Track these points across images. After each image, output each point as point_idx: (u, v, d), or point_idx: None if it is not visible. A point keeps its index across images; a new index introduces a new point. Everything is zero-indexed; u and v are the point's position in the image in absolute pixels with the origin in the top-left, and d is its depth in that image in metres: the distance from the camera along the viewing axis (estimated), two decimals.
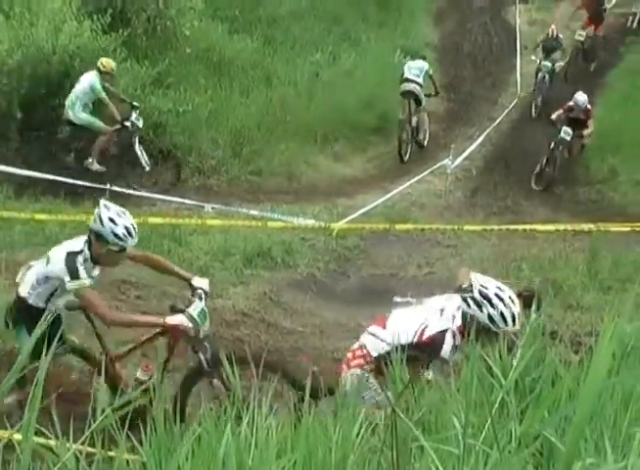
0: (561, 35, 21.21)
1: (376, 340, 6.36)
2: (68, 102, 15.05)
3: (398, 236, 14.83)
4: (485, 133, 19.38)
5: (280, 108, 18.59)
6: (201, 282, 7.72)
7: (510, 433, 3.07)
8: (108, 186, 14.83)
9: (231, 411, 3.34)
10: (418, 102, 18.91)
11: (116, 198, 14.68)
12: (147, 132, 16.26)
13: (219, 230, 13.80)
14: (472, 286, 6.10)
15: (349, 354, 6.53)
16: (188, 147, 16.73)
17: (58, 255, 6.98)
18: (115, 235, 6.93)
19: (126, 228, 6.96)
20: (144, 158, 15.83)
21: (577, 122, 17.28)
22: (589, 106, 17.46)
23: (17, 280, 7.27)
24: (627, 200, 17.06)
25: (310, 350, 10.65)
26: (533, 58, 21.17)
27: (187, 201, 15.04)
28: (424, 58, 19.39)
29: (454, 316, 6.21)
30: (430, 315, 6.25)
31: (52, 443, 3.06)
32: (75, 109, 15.06)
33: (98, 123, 15.38)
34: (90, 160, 15.53)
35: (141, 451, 3.44)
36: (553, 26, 21.34)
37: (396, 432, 2.58)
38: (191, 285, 7.70)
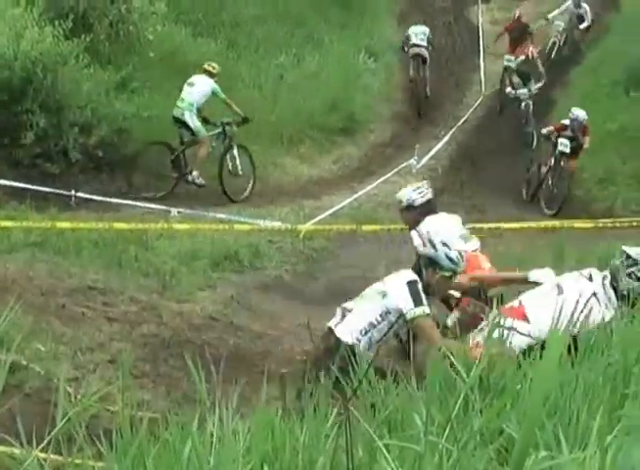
0: (537, 57, 20.62)
1: (518, 335, 5.84)
2: (183, 104, 15.80)
3: (365, 237, 14.86)
4: (451, 132, 19.49)
5: (245, 110, 18.54)
6: (542, 275, 7.01)
7: (479, 430, 3.09)
8: (73, 192, 14.76)
9: (196, 414, 3.34)
10: (424, 61, 21.42)
11: (82, 204, 14.68)
12: (111, 138, 16.18)
13: (186, 234, 13.78)
14: (630, 258, 6.26)
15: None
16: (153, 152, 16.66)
17: (396, 286, 6.43)
18: (450, 259, 6.46)
19: (459, 251, 6.52)
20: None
21: (572, 140, 16.75)
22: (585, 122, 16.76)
23: (331, 325, 6.72)
24: (591, 196, 17.21)
25: (280, 352, 10.65)
26: (508, 90, 20.15)
27: (153, 205, 14.98)
28: (424, 23, 22.12)
29: (609, 300, 6.20)
30: (581, 302, 5.66)
31: (16, 451, 3.04)
32: (193, 111, 15.79)
33: (204, 132, 15.97)
34: (195, 173, 16.07)
35: (106, 457, 3.43)
36: (532, 49, 20.67)
37: (351, 431, 2.59)
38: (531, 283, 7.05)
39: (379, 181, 16.86)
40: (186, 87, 16.04)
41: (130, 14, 17.86)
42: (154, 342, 10.46)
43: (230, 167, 16.26)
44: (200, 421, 3.36)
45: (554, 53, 22.77)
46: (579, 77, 21.68)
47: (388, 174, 17.14)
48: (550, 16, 23.26)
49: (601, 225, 14.74)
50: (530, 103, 19.73)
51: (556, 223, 14.54)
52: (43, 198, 14.39)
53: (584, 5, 22.79)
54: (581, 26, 22.77)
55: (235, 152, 16.23)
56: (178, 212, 14.76)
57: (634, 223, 14.62)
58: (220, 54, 20.08)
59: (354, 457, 2.72)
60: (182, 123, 15.96)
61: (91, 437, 3.32)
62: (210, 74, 16.14)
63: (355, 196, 16.23)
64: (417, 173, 17.49)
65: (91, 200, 14.72)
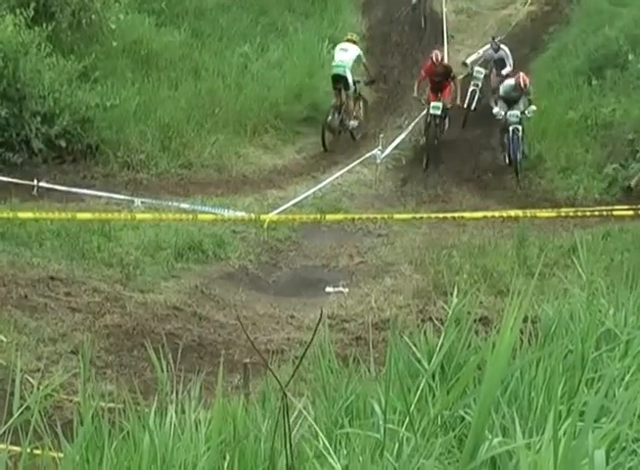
0: (529, 86, 18.18)
1: None
2: (344, 64, 19.01)
3: (329, 226, 14.88)
4: (414, 122, 19.49)
5: (209, 100, 18.51)
6: None
7: (435, 417, 3.10)
8: (35, 182, 14.66)
9: (155, 404, 3.33)
10: None
11: (45, 193, 14.58)
12: (74, 127, 16.10)
13: (150, 224, 13.73)
14: None
15: None
16: (116, 141, 16.58)
17: None
18: None
19: None
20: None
21: None
22: None
23: None
24: (554, 186, 17.29)
25: (243, 342, 10.66)
26: (496, 110, 18.02)
27: (116, 195, 14.91)
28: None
29: None
30: None
31: None
32: (350, 69, 19.04)
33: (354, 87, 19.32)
34: (352, 122, 19.28)
35: (68, 448, 3.41)
36: (523, 75, 18.20)
37: (288, 417, 2.60)
38: None
39: (343, 171, 16.87)
40: (340, 52, 19.33)
41: (93, 2, 17.73)
42: (117, 332, 10.45)
43: (355, 114, 19.41)
44: (161, 411, 3.36)
45: (474, 103, 19.76)
46: (542, 68, 21.77)
47: (353, 164, 17.16)
48: (469, 60, 20.84)
49: (564, 214, 14.83)
50: (520, 129, 17.77)
51: (519, 213, 14.62)
52: (5, 188, 14.28)
53: (503, 47, 20.25)
54: (504, 72, 19.78)
55: (360, 102, 19.63)
56: (142, 203, 14.69)
57: (596, 212, 14.72)
58: (184, 43, 19.99)
59: (285, 444, 2.73)
60: (342, 79, 18.94)
61: (52, 427, 3.31)
62: (354, 43, 19.62)
63: (319, 186, 16.23)
64: (381, 163, 17.51)
65: (54, 190, 14.63)
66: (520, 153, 17.66)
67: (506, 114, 17.90)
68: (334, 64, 19.25)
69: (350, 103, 19.27)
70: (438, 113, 18.74)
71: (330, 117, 18.97)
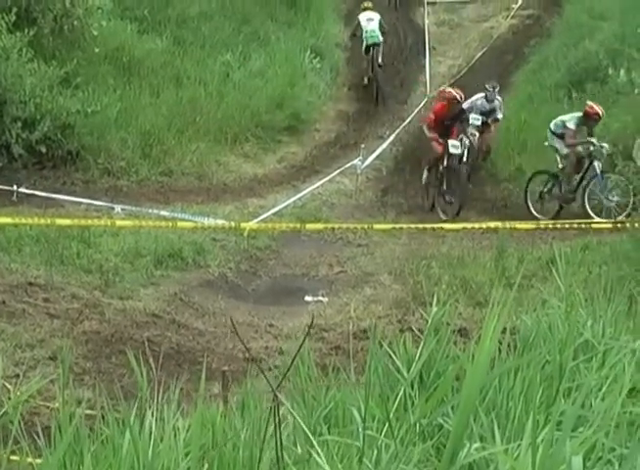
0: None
1: None
2: (375, 33, 21.68)
3: (310, 236, 14.90)
4: (395, 133, 19.55)
5: (190, 108, 18.51)
6: None
7: (414, 425, 3.12)
8: (15, 187, 14.62)
9: (134, 410, 3.33)
10: None
11: (24, 199, 14.55)
12: (55, 133, 16.07)
13: (129, 231, 13.70)
14: None
15: None
16: (97, 148, 16.56)
17: None
18: None
19: None
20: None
21: None
22: None
23: None
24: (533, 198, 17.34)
25: (222, 349, 10.65)
26: (580, 149, 16.34)
27: (96, 202, 14.89)
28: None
29: None
30: None
31: None
32: (379, 33, 21.87)
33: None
34: (380, 59, 21.94)
35: (46, 454, 3.40)
36: (592, 103, 16.53)
37: (280, 422, 2.61)
38: None
39: (324, 180, 16.90)
40: (368, 22, 21.83)
41: (75, 8, 17.70)
42: (95, 339, 10.41)
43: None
44: (140, 417, 3.36)
45: (465, 156, 17.42)
46: (523, 80, 21.90)
47: (333, 174, 17.19)
48: (465, 106, 18.01)
49: (543, 227, 14.91)
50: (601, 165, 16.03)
51: (498, 224, 14.68)
52: None
53: (498, 98, 18.58)
54: (499, 117, 18.45)
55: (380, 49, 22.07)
56: (122, 209, 14.68)
57: (575, 225, 14.80)
58: (166, 50, 19.99)
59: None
60: (376, 45, 21.71)
61: (30, 433, 3.31)
62: (372, 9, 22.15)
63: (300, 195, 16.26)
64: (361, 173, 17.54)
65: (33, 195, 14.60)
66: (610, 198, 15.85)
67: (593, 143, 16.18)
68: (367, 35, 21.71)
69: (380, 48, 21.87)
70: (459, 152, 16.82)
71: (371, 74, 21.61)
